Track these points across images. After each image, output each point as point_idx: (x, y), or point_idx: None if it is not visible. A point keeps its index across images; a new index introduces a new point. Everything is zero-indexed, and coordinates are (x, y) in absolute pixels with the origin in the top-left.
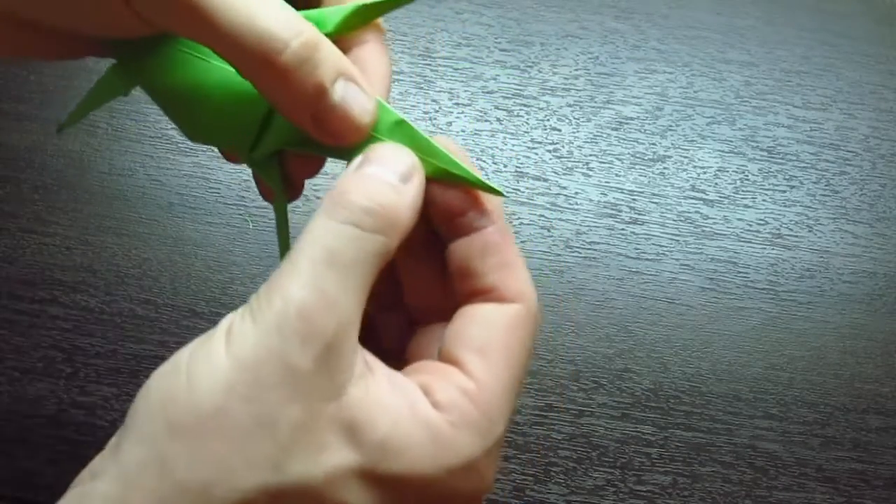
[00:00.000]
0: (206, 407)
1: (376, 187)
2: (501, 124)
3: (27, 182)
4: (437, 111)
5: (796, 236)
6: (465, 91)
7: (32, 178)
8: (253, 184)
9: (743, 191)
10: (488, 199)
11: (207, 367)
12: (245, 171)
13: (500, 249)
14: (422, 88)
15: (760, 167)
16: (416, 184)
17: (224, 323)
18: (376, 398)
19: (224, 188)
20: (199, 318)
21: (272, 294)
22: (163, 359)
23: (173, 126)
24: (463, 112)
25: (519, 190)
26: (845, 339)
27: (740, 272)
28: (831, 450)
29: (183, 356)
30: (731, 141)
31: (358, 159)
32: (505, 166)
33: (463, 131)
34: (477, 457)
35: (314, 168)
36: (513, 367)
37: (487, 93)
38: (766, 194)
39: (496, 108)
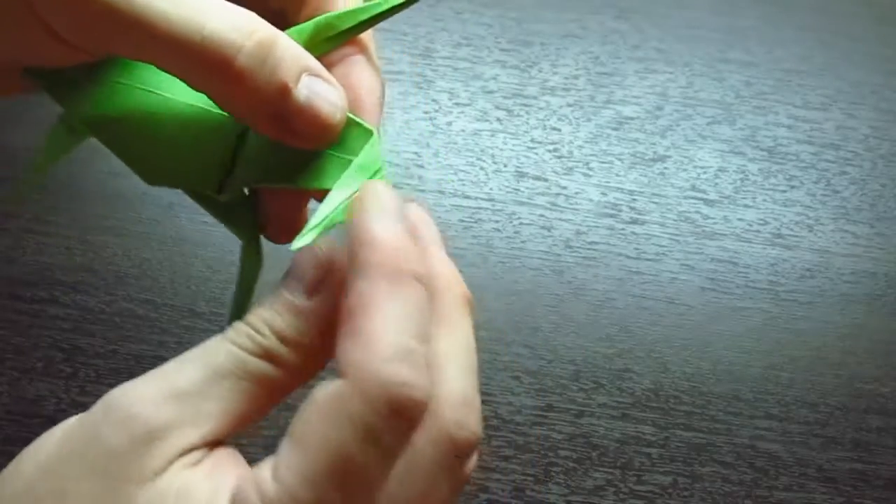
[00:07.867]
0: (19, 482)
1: (272, 310)
2: (501, 124)
3: (27, 182)
4: (437, 111)
5: (796, 236)
6: (465, 91)
7: (32, 179)
8: None
9: (743, 191)
10: (368, 250)
11: (38, 442)
12: None
13: (351, 314)
14: (422, 88)
15: (761, 167)
16: (325, 297)
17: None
18: (178, 493)
19: None
20: (198, 317)
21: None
22: (163, 359)
23: None
24: (463, 112)
25: (519, 190)
26: (845, 339)
27: (740, 272)
28: (831, 450)
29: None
30: (732, 141)
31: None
32: (505, 166)
33: (463, 131)
34: None
35: (295, 205)
36: (319, 458)
37: (487, 93)
38: (766, 194)
39: (496, 107)
